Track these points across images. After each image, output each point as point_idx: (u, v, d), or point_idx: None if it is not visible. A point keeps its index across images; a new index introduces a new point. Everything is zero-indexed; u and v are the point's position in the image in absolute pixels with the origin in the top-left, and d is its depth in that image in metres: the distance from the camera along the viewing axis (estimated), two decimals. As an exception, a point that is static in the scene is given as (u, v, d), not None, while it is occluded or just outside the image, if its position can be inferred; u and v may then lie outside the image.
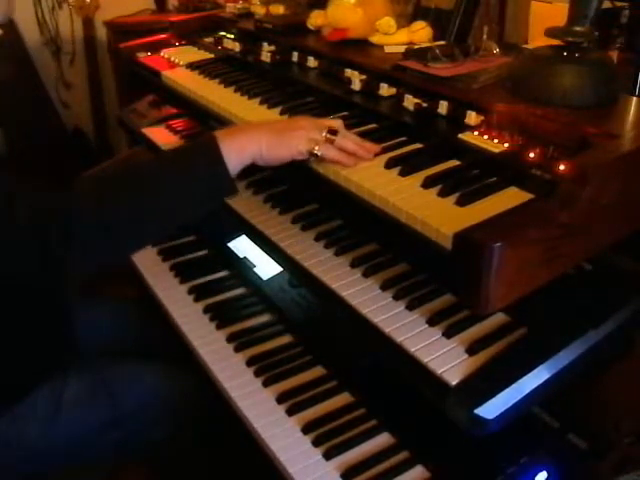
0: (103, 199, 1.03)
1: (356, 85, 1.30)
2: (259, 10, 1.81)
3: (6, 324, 1.24)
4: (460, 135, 1.06)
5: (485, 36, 1.33)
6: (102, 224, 1.01)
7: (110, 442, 1.32)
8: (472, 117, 1.09)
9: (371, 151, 1.09)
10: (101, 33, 3.13)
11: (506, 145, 1.01)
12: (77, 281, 1.14)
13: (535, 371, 0.87)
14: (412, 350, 0.93)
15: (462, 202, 0.91)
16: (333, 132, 1.09)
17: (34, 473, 1.31)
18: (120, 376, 1.37)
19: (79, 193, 1.04)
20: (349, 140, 1.09)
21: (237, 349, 1.35)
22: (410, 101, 1.19)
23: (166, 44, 1.88)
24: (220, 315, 1.45)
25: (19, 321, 1.27)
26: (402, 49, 1.37)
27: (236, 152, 1.05)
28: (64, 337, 1.37)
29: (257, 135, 1.07)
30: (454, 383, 0.87)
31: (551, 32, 1.08)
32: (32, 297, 1.29)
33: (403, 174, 1.02)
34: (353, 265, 1.11)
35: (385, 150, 1.09)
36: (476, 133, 1.06)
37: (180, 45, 1.88)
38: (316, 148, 1.07)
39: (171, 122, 1.73)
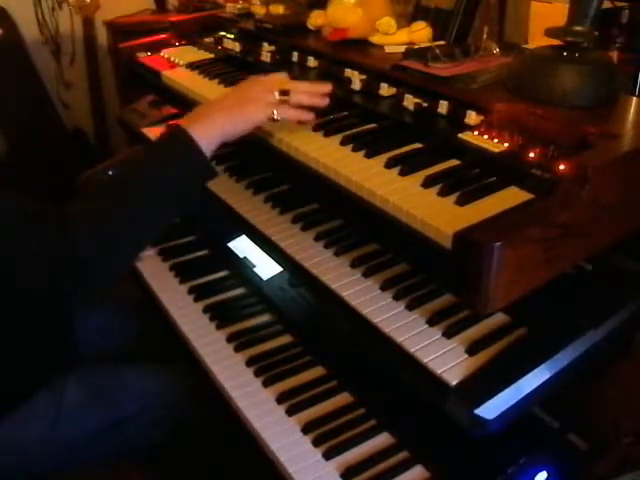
0: (98, 220, 1.03)
1: (356, 85, 1.30)
2: (259, 10, 1.81)
3: (7, 328, 1.24)
4: (460, 135, 1.06)
5: (485, 36, 1.33)
6: (104, 242, 1.01)
7: (110, 444, 1.32)
8: (472, 117, 1.09)
9: (325, 91, 1.13)
10: (101, 33, 3.13)
11: (506, 145, 1.01)
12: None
13: (535, 371, 0.87)
14: (412, 350, 0.93)
15: (462, 202, 0.91)
16: (285, 92, 1.12)
17: (35, 476, 1.31)
18: (120, 378, 1.36)
19: (77, 212, 1.03)
20: (302, 95, 1.13)
21: (237, 349, 1.35)
22: (410, 101, 1.19)
23: (166, 44, 1.88)
24: (220, 315, 1.45)
25: (20, 325, 1.27)
26: (402, 49, 1.37)
27: (205, 139, 1.07)
28: (64, 340, 1.37)
29: (216, 116, 1.09)
30: (454, 383, 0.87)
31: (551, 32, 1.08)
32: (33, 302, 1.29)
33: (403, 174, 1.01)
34: (353, 265, 1.11)
35: (385, 149, 1.09)
36: (476, 133, 1.06)
37: (180, 45, 1.88)
38: (274, 113, 1.10)
39: (171, 122, 1.73)
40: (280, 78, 1.18)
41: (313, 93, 1.16)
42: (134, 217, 1.05)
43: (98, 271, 1.02)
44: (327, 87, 1.15)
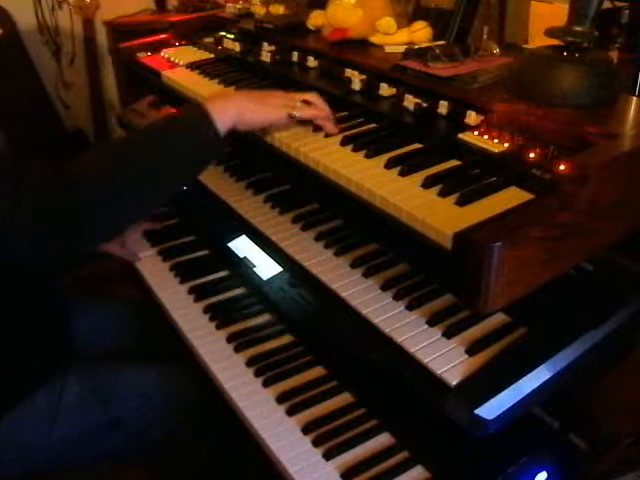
0: (100, 165, 1.06)
1: (356, 85, 1.30)
2: (259, 10, 1.81)
3: (6, 327, 1.24)
4: (460, 135, 1.06)
5: (485, 36, 1.33)
6: (103, 187, 1.03)
7: (110, 443, 1.32)
8: (472, 117, 1.09)
9: (336, 125, 1.18)
10: (101, 33, 3.13)
11: (506, 145, 1.01)
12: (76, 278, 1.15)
13: (535, 371, 0.87)
14: (412, 350, 0.93)
15: (462, 202, 0.91)
16: (306, 102, 1.18)
17: (34, 474, 1.31)
18: (119, 377, 1.36)
19: (75, 165, 1.05)
20: (321, 105, 1.19)
21: (237, 349, 1.35)
22: (410, 101, 1.19)
23: (166, 44, 1.88)
24: (220, 315, 1.45)
25: (19, 323, 1.27)
26: (402, 49, 1.37)
27: (220, 114, 1.10)
28: (63, 339, 1.37)
29: (238, 100, 1.15)
30: (454, 383, 0.87)
31: (551, 32, 1.08)
32: (32, 299, 1.29)
33: (403, 174, 1.01)
34: (353, 265, 1.11)
35: (385, 150, 1.09)
36: (476, 133, 1.06)
37: (180, 45, 1.88)
38: (293, 112, 1.15)
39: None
40: (302, 96, 1.23)
41: (330, 115, 1.19)
42: (135, 171, 1.06)
43: (89, 225, 1.02)
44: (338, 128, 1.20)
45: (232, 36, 1.77)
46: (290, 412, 1.19)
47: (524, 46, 1.38)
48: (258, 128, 1.18)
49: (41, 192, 1.00)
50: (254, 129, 1.17)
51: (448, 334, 0.95)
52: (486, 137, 1.04)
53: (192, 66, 1.65)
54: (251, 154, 1.42)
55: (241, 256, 1.57)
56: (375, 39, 1.47)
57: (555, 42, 1.09)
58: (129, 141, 1.13)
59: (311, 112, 1.17)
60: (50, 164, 1.03)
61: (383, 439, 1.15)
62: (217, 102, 1.11)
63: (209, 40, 1.83)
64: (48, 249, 1.03)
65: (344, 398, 1.23)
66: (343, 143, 1.14)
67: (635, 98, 1.09)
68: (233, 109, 1.11)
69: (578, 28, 1.06)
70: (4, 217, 0.97)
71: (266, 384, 1.26)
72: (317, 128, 1.19)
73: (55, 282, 1.39)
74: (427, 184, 0.97)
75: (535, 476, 1.02)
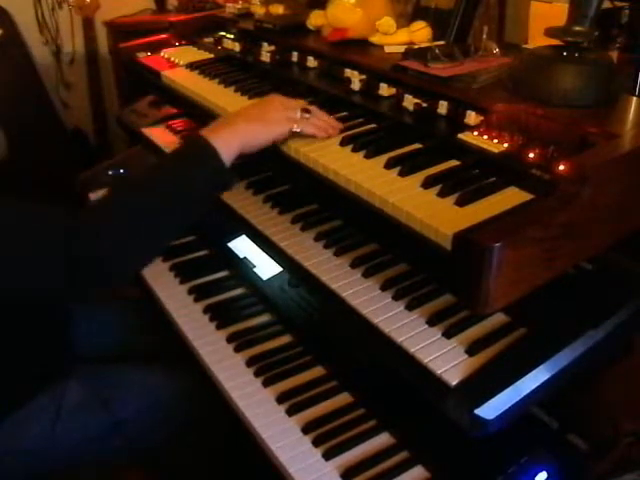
0: (114, 219, 1.04)
1: (356, 85, 1.30)
2: (259, 10, 1.81)
3: (6, 330, 1.24)
4: (460, 135, 1.06)
5: (485, 36, 1.33)
6: (120, 241, 1.02)
7: (110, 446, 1.32)
8: (472, 117, 1.09)
9: (336, 128, 1.17)
10: (101, 33, 3.13)
11: (506, 145, 1.01)
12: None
13: (535, 371, 0.87)
14: (412, 350, 0.93)
15: (462, 202, 0.91)
16: (307, 111, 1.17)
17: (35, 476, 1.31)
18: (120, 380, 1.36)
19: (94, 211, 1.07)
20: (321, 117, 1.18)
21: (237, 349, 1.35)
22: (410, 101, 1.19)
23: (166, 44, 1.88)
24: (220, 315, 1.45)
25: (19, 327, 1.27)
26: (402, 49, 1.37)
27: (225, 148, 1.08)
28: (64, 342, 1.37)
29: (240, 127, 1.12)
30: (454, 383, 0.87)
31: (551, 32, 1.08)
32: (33, 304, 1.29)
33: (403, 174, 1.01)
34: (353, 265, 1.11)
35: (385, 150, 1.09)
36: (476, 133, 1.06)
37: (180, 45, 1.88)
38: (295, 126, 1.14)
39: (171, 122, 1.74)
40: (300, 102, 1.22)
41: (330, 122, 1.18)
42: (150, 218, 1.05)
43: (114, 269, 1.03)
44: (339, 125, 1.19)
45: (232, 36, 1.77)
46: (290, 412, 1.19)
47: (524, 46, 1.38)
48: (263, 147, 1.15)
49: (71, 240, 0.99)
50: (260, 149, 1.15)
51: (448, 334, 0.95)
52: (486, 137, 1.04)
53: (192, 66, 1.65)
54: (251, 154, 1.42)
55: (241, 256, 1.57)
56: (375, 39, 1.47)
57: (555, 42, 1.09)
58: (141, 184, 1.11)
59: (312, 129, 1.15)
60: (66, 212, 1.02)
61: (383, 439, 1.15)
62: (219, 134, 1.09)
63: (209, 40, 1.83)
64: (79, 292, 1.04)
65: (344, 398, 1.23)
66: (343, 143, 1.14)
67: (635, 98, 1.09)
68: (235, 136, 1.10)
69: (578, 28, 1.06)
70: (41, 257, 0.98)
71: (266, 384, 1.26)
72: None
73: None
74: (427, 184, 0.97)
75: (535, 476, 1.02)
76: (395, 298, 1.03)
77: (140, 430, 1.32)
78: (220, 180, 1.10)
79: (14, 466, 1.25)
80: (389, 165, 1.04)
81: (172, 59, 1.73)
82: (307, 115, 1.16)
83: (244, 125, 1.12)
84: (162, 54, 1.80)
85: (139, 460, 1.44)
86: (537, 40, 1.34)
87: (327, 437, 1.14)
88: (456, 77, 1.21)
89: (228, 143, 1.09)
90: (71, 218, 1.01)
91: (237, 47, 1.67)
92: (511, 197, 0.92)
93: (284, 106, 1.17)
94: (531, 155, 0.96)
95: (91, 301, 1.14)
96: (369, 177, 1.02)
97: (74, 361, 1.36)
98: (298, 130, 1.15)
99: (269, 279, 1.48)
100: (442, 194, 0.94)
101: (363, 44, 1.48)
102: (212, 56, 1.72)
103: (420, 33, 1.44)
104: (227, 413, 1.24)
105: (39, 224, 1.01)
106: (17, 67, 2.94)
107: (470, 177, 0.99)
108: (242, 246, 1.58)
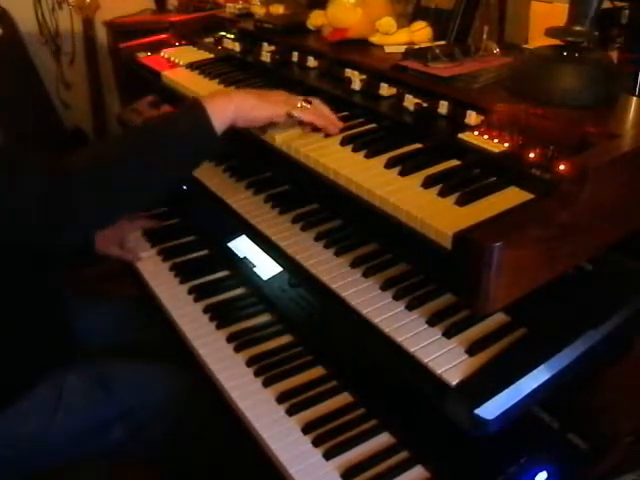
0: (97, 156, 1.08)
1: (356, 85, 1.30)
2: (259, 10, 1.81)
3: (6, 322, 1.25)
4: (460, 135, 1.06)
5: (485, 36, 1.33)
6: (98, 178, 1.05)
7: (109, 441, 1.32)
8: (472, 117, 1.09)
9: (336, 125, 1.18)
10: (101, 33, 3.12)
11: (506, 145, 1.01)
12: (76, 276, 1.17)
13: (535, 371, 0.87)
14: (412, 350, 0.93)
15: (462, 202, 0.91)
16: (308, 102, 1.18)
17: (34, 470, 1.31)
18: (120, 375, 1.37)
19: (74, 157, 1.08)
20: (322, 110, 1.19)
21: (237, 349, 1.35)
22: (410, 101, 1.19)
23: (166, 44, 1.88)
24: (220, 315, 1.45)
25: (19, 319, 1.27)
26: (402, 49, 1.37)
27: (218, 111, 1.10)
28: (64, 335, 1.38)
29: (237, 96, 1.15)
30: (454, 383, 0.87)
31: (551, 32, 1.08)
32: (33, 294, 1.29)
33: (403, 174, 1.01)
34: (353, 265, 1.11)
35: (385, 149, 1.09)
36: (476, 133, 1.06)
37: (180, 45, 1.88)
38: (293, 111, 1.16)
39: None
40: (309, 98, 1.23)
41: (331, 117, 1.19)
42: (127, 162, 1.07)
43: (82, 205, 1.04)
44: (339, 123, 1.20)
45: (232, 36, 1.77)
46: (290, 412, 1.19)
47: (524, 46, 1.38)
48: (258, 124, 1.17)
49: (38, 180, 1.02)
50: (254, 125, 1.17)
51: (448, 334, 0.95)
52: (486, 137, 1.04)
53: (192, 66, 1.65)
54: (251, 154, 1.42)
55: (241, 256, 1.57)
56: (375, 39, 1.47)
57: (555, 42, 1.09)
58: (125, 134, 1.17)
59: (311, 116, 1.16)
60: (49, 156, 1.06)
61: (383, 439, 1.15)
62: (216, 100, 1.11)
63: (209, 40, 1.83)
64: (47, 233, 1.06)
65: (344, 398, 1.23)
66: (343, 143, 1.14)
67: (635, 98, 1.09)
68: (232, 106, 1.11)
69: (578, 28, 1.06)
70: (5, 201, 1.01)
71: (266, 384, 1.26)
72: (317, 128, 1.19)
73: (54, 281, 1.40)
74: (427, 184, 0.97)
75: (535, 476, 1.02)
76: (395, 298, 1.02)
77: (138, 426, 1.32)
78: (204, 140, 1.11)
79: (13, 457, 1.25)
80: (389, 165, 1.04)
81: (172, 59, 1.73)
82: (308, 105, 1.17)
83: (242, 96, 1.15)
84: (162, 54, 1.80)
85: (138, 456, 1.44)
86: (537, 40, 1.34)
87: (327, 437, 1.14)
88: (456, 77, 1.21)
89: (222, 108, 1.10)
90: (53, 162, 1.05)
91: (237, 47, 1.67)
92: (511, 197, 0.92)
93: (286, 95, 1.19)
94: (531, 155, 0.96)
95: (62, 247, 1.15)
96: (369, 177, 1.02)
97: (74, 355, 1.37)
98: (296, 115, 1.15)
99: (269, 279, 1.48)
100: (442, 194, 0.94)
101: (363, 44, 1.48)
102: (212, 56, 1.72)
103: (420, 33, 1.44)
104: (227, 413, 1.24)
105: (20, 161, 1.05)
106: (17, 67, 2.94)
107: (470, 177, 0.99)
108: (242, 246, 1.58)
